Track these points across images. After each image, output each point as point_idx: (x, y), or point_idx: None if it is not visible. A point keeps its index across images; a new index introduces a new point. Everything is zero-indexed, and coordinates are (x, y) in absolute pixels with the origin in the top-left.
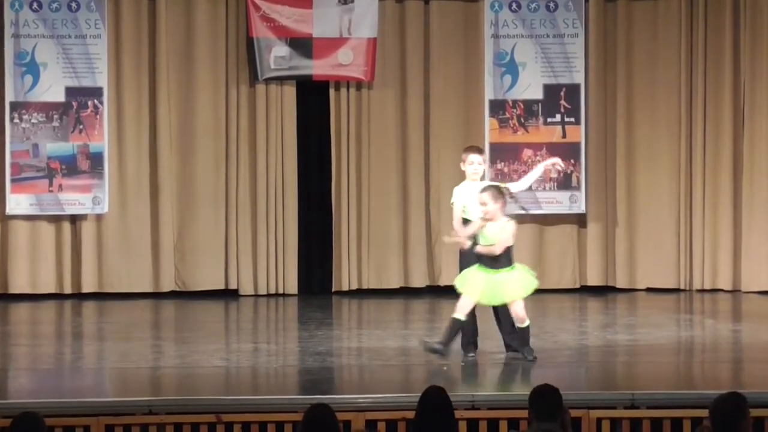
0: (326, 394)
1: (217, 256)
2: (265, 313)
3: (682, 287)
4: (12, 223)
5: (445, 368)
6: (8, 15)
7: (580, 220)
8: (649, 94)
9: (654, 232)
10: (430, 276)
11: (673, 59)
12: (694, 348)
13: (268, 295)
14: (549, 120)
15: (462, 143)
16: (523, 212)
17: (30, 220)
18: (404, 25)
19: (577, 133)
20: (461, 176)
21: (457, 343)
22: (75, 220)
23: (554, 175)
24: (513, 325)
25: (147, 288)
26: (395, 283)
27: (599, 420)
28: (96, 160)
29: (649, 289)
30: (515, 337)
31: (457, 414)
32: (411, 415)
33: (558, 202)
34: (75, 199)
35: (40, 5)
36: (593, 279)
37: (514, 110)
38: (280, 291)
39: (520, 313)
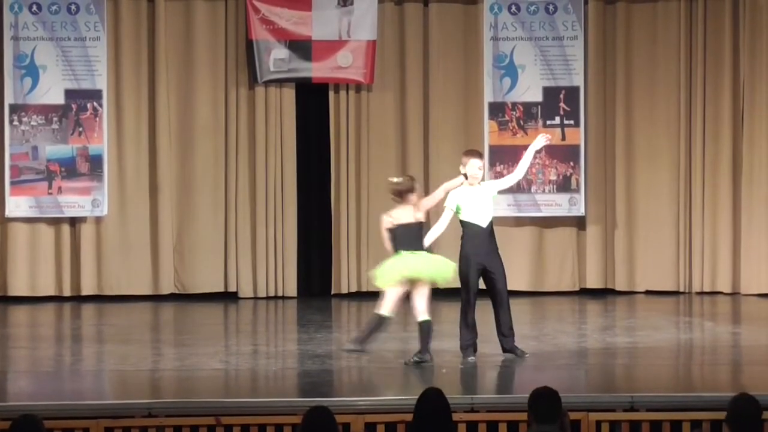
0: (325, 396)
1: (216, 259)
2: (264, 315)
3: (681, 290)
4: (11, 225)
5: (444, 371)
6: (7, 17)
7: (579, 222)
8: (649, 96)
9: (653, 234)
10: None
11: (672, 61)
12: (693, 350)
13: (268, 298)
14: (548, 122)
15: (461, 146)
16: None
17: (29, 222)
18: (403, 28)
19: (577, 136)
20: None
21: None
22: (74, 222)
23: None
24: (511, 327)
25: (146, 290)
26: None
27: (599, 422)
28: (95, 162)
29: (648, 292)
30: (510, 340)
31: (457, 417)
32: (410, 417)
33: (557, 205)
34: (74, 202)
35: (39, 8)
36: (592, 281)
37: (514, 113)
38: (280, 293)
39: (422, 307)
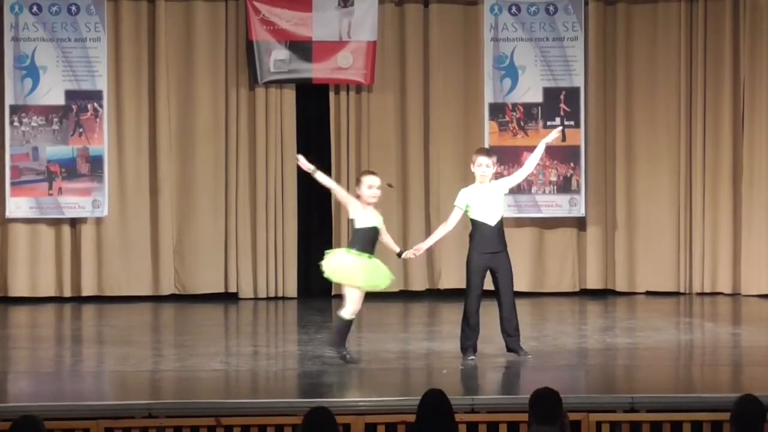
0: (326, 397)
1: (216, 260)
2: (264, 316)
3: (681, 290)
4: (12, 226)
5: (444, 371)
6: (8, 18)
7: (579, 223)
8: (649, 97)
9: (654, 235)
10: (430, 279)
11: (672, 62)
12: (693, 351)
13: (268, 299)
14: (549, 123)
15: (462, 146)
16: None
17: (30, 223)
18: (404, 29)
19: (577, 137)
20: (461, 179)
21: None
22: (75, 223)
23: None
24: (516, 327)
25: (146, 291)
26: (395, 287)
27: (599, 423)
28: (96, 163)
29: (648, 293)
30: (515, 340)
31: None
32: (411, 418)
33: (558, 206)
34: (75, 203)
35: (39, 8)
36: (593, 282)
37: (514, 113)
38: (280, 294)
39: (354, 305)
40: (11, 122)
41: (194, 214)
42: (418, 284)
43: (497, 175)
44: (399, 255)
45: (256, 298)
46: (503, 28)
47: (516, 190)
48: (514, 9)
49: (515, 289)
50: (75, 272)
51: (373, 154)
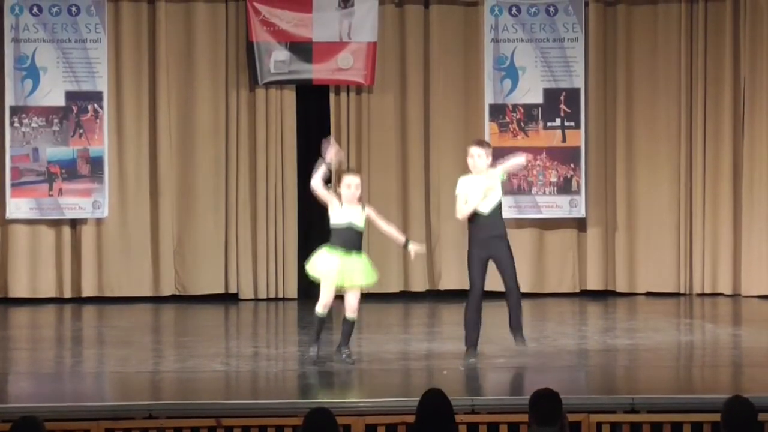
0: (326, 398)
1: (217, 261)
2: (265, 317)
3: (682, 291)
4: (12, 227)
5: (445, 372)
6: (8, 19)
7: (580, 224)
8: (649, 98)
9: (654, 236)
10: (430, 280)
11: (673, 64)
12: (694, 352)
13: (268, 299)
14: (549, 124)
15: (462, 147)
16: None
17: (30, 224)
18: (404, 30)
19: (577, 138)
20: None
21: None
22: (75, 224)
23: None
24: (519, 321)
25: (147, 292)
26: (395, 287)
27: (599, 424)
28: (96, 164)
29: (649, 294)
30: (516, 331)
31: (457, 418)
32: (411, 419)
33: (558, 207)
34: (75, 204)
35: (40, 9)
36: (593, 283)
37: (514, 114)
38: (280, 295)
39: (355, 304)
40: (11, 123)
41: (194, 215)
42: (419, 285)
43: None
44: (405, 245)
45: (257, 299)
46: (503, 29)
47: (516, 191)
48: (514, 10)
49: None
50: (75, 273)
51: (373, 155)
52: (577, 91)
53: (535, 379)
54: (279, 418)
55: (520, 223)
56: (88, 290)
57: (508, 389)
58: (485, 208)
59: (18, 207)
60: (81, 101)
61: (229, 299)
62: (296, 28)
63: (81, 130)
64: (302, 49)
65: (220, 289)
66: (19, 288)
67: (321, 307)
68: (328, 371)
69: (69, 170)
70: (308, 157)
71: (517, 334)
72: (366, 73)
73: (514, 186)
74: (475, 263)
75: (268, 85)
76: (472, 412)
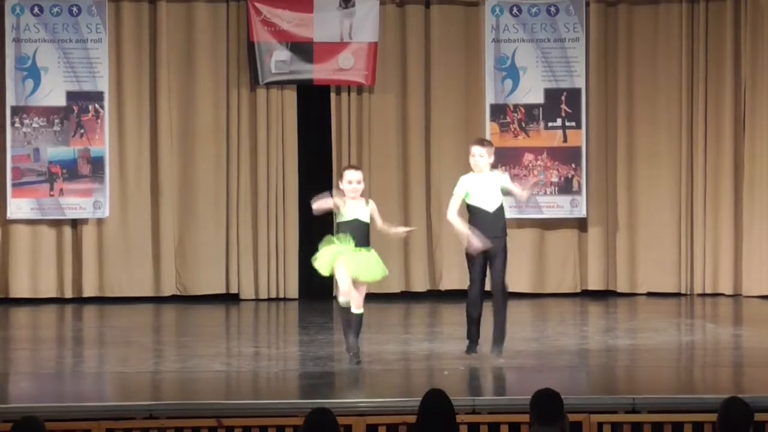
0: (327, 398)
1: (217, 261)
2: (265, 317)
3: (683, 291)
4: (13, 227)
5: (446, 372)
6: (9, 19)
7: (580, 224)
8: (650, 98)
9: (655, 236)
10: (431, 280)
11: (673, 63)
12: (695, 352)
13: (269, 299)
14: (550, 124)
15: (463, 148)
16: None
17: (31, 224)
18: (405, 30)
19: (578, 138)
20: None
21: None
22: (76, 224)
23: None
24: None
25: (148, 292)
26: (396, 288)
27: (600, 424)
28: (97, 164)
29: (649, 294)
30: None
31: (458, 418)
32: (412, 419)
33: (559, 207)
34: (76, 204)
35: (41, 9)
36: (594, 283)
37: (515, 114)
38: (281, 295)
39: (360, 299)
40: (12, 123)
41: (195, 215)
42: (420, 285)
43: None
44: (400, 231)
45: (257, 299)
46: (504, 29)
47: None
48: (515, 10)
49: (515, 290)
50: (76, 273)
51: (374, 155)
52: (578, 91)
53: (535, 379)
54: (280, 418)
55: (521, 223)
56: (88, 290)
57: (509, 389)
58: (490, 207)
59: (19, 207)
60: (82, 101)
61: (229, 299)
62: (297, 28)
63: (82, 130)
64: (303, 49)
65: (220, 289)
66: (19, 288)
67: (342, 296)
68: (329, 371)
69: (70, 170)
70: (309, 156)
71: (496, 345)
72: (367, 73)
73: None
74: (475, 260)
75: (269, 85)
76: (473, 412)
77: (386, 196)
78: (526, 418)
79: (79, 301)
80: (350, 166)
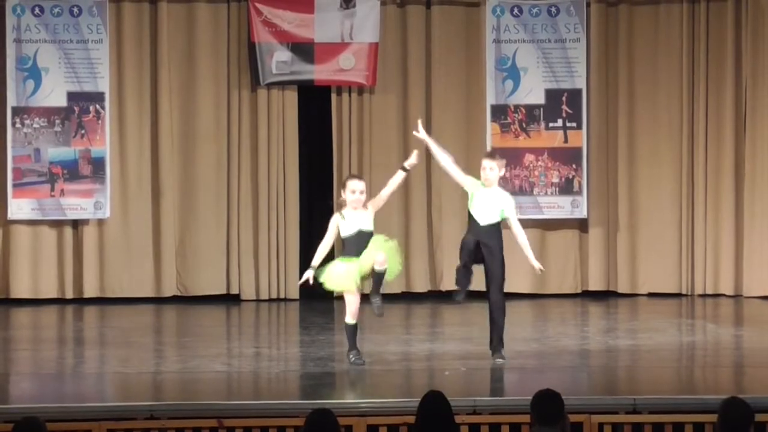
0: (328, 398)
1: (218, 261)
2: (266, 317)
3: (683, 292)
4: (14, 228)
5: (447, 373)
6: (10, 20)
7: (581, 224)
8: (651, 98)
9: (656, 236)
10: (432, 281)
11: (674, 64)
12: (695, 353)
13: (270, 300)
14: (551, 125)
15: (463, 148)
16: None
17: (32, 225)
18: (406, 30)
19: (579, 138)
20: None
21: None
22: (77, 224)
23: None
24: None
25: (148, 293)
26: (397, 288)
27: (601, 425)
28: (97, 165)
29: (650, 294)
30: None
31: (459, 419)
32: (413, 420)
33: (560, 207)
34: (77, 204)
35: (42, 10)
36: (595, 284)
37: (516, 115)
38: (282, 296)
39: (383, 258)
40: (13, 124)
41: (196, 215)
42: (420, 286)
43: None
44: (405, 168)
45: (258, 300)
46: (505, 30)
47: (518, 192)
48: (516, 10)
49: (516, 290)
50: (77, 274)
51: (374, 156)
52: (578, 91)
53: (536, 379)
54: (281, 419)
55: (522, 224)
56: (89, 291)
57: (510, 390)
58: (482, 221)
59: (20, 207)
60: (83, 102)
61: (230, 300)
62: (298, 28)
63: (82, 131)
64: (304, 50)
65: (221, 290)
66: (20, 289)
67: (351, 317)
68: (329, 372)
69: (71, 171)
70: (310, 157)
71: (496, 352)
72: (367, 74)
73: (516, 187)
74: (464, 245)
75: (269, 85)
76: (473, 412)
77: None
78: (526, 418)
79: (80, 301)
80: (353, 176)
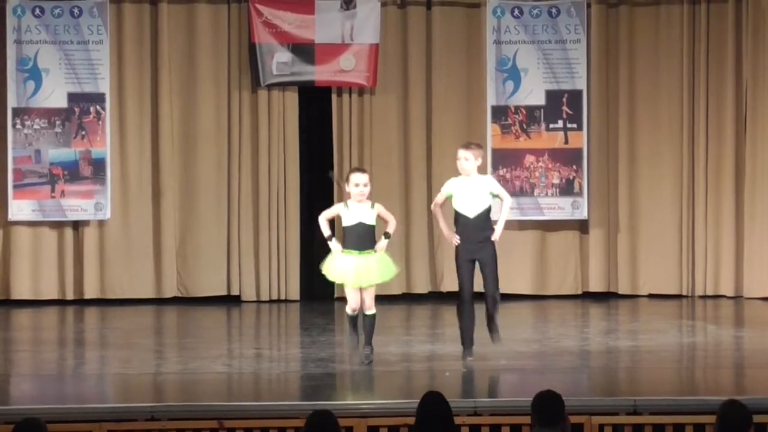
0: (328, 400)
1: (219, 262)
2: (267, 319)
3: (684, 293)
4: (14, 229)
5: (447, 374)
6: (11, 21)
7: (582, 226)
8: (652, 99)
9: (656, 238)
10: (432, 282)
11: (675, 65)
12: (696, 354)
13: (270, 301)
14: (551, 126)
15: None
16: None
17: (32, 226)
18: (406, 31)
19: (579, 139)
20: None
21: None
22: (77, 226)
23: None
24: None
25: (149, 294)
26: (397, 289)
27: (601, 426)
28: (98, 166)
29: (651, 295)
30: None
31: (459, 420)
32: (412, 421)
33: (560, 208)
34: (77, 205)
35: (42, 11)
36: (595, 285)
37: (516, 116)
38: (282, 297)
39: (370, 301)
40: (14, 125)
41: (197, 216)
42: (421, 287)
43: (500, 178)
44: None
45: (259, 301)
46: (506, 31)
47: (519, 193)
48: (516, 11)
49: (516, 291)
50: (77, 275)
51: (375, 157)
52: (579, 92)
53: (537, 380)
54: (281, 420)
55: (522, 225)
56: (90, 292)
57: (510, 391)
58: (470, 213)
59: (20, 209)
60: (83, 103)
61: (231, 301)
62: (298, 29)
63: (83, 132)
64: (304, 51)
65: (222, 291)
66: (21, 290)
67: (350, 310)
68: (330, 373)
69: (71, 172)
70: (310, 158)
71: (494, 333)
72: (368, 75)
73: (516, 188)
74: (462, 266)
75: (270, 86)
76: (474, 414)
77: (388, 197)
78: (527, 419)
79: (81, 302)
80: (356, 169)
